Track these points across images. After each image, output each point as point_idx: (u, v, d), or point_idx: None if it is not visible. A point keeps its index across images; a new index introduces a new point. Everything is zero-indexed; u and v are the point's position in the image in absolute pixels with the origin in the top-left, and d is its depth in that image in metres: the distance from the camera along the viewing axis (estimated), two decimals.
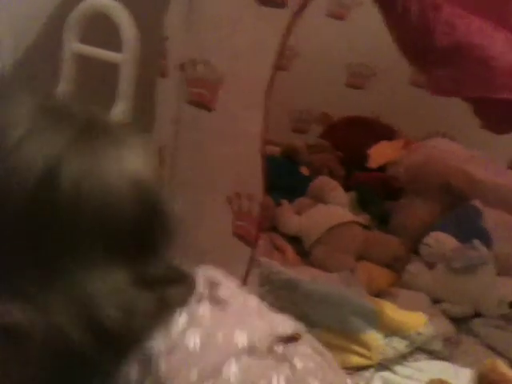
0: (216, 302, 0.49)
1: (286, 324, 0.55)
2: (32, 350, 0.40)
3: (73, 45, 1.32)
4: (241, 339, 0.47)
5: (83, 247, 0.41)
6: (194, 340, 0.45)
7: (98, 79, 1.46)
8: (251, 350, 0.47)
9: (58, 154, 0.42)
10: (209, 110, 1.02)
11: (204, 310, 0.48)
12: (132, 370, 0.43)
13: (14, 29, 1.38)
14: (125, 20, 1.25)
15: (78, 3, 1.28)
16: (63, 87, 1.33)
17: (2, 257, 0.41)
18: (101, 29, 1.35)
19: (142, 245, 0.46)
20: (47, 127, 0.43)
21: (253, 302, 0.54)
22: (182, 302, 0.47)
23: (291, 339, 0.53)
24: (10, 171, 0.40)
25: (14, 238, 0.40)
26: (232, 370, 0.45)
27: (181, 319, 0.46)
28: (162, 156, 1.23)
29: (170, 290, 0.46)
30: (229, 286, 0.52)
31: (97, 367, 0.43)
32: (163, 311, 0.45)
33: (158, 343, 0.44)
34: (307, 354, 0.54)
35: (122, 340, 0.43)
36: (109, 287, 0.42)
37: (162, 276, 0.46)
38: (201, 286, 0.49)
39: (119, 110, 1.30)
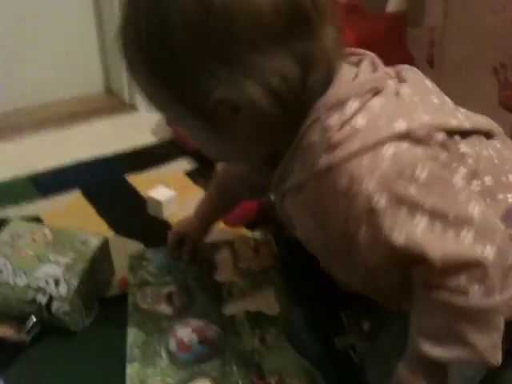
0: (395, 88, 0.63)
1: (470, 119, 0.66)
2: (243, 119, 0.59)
3: None
4: (400, 125, 0.58)
5: (246, 41, 0.56)
6: (361, 121, 0.58)
7: None
8: (408, 136, 0.58)
9: None
10: None
11: (377, 101, 0.60)
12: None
13: None
14: None
15: None
16: None
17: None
18: None
19: (297, 26, 0.57)
20: None
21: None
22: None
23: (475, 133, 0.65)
24: None
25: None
26: (389, 151, 0.57)
27: (354, 104, 0.59)
28: (432, 36, 1.36)
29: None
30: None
31: (282, 129, 0.61)
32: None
33: (331, 119, 0.59)
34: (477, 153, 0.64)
35: (300, 101, 0.59)
36: (276, 66, 0.57)
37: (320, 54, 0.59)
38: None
39: (394, 1, 1.45)
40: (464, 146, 0.64)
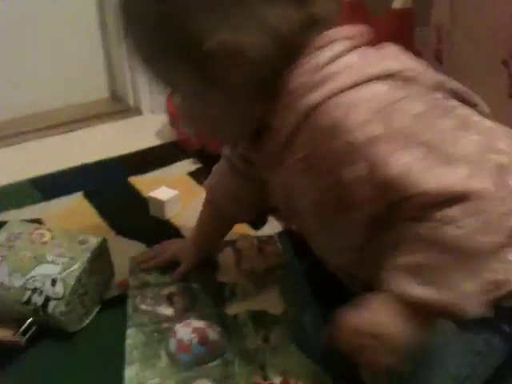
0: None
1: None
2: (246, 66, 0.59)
3: None
4: (391, 63, 0.59)
5: None
6: (350, 58, 0.59)
7: None
8: (398, 74, 0.59)
9: None
10: None
11: (359, 50, 0.61)
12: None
13: None
14: None
15: None
16: None
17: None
18: None
19: None
20: None
21: None
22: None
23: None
24: None
25: None
26: (382, 87, 0.57)
27: (339, 47, 0.59)
28: (440, 33, 1.33)
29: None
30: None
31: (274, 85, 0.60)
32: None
33: (319, 57, 0.59)
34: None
35: (292, 46, 0.59)
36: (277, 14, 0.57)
37: None
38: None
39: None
40: (453, 101, 0.63)
